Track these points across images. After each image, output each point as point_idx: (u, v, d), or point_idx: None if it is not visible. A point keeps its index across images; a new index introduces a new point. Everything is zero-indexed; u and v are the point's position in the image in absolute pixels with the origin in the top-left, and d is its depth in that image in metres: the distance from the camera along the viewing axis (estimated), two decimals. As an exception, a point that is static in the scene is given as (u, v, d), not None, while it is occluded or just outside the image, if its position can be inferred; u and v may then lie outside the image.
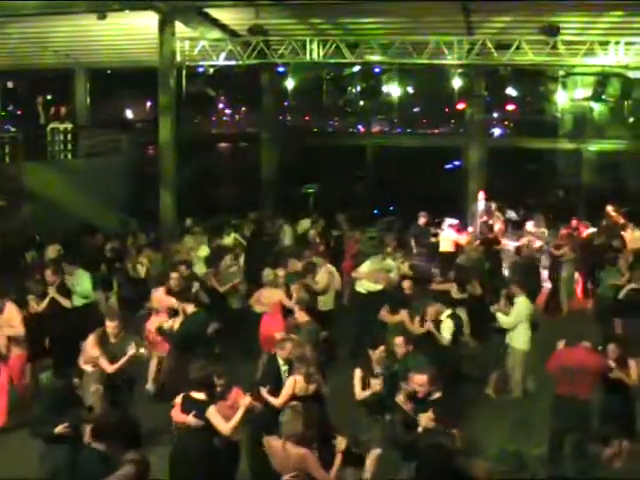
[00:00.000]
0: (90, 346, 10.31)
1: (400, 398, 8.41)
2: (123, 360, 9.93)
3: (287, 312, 12.56)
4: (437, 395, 8.21)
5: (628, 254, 16.53)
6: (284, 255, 16.87)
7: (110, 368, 9.94)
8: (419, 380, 8.17)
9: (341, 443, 7.63)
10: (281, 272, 13.68)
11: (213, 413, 8.11)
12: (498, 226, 20.12)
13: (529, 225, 19.99)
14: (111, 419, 7.57)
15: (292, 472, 7.16)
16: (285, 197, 26.25)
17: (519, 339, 12.43)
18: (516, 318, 12.42)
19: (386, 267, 15.20)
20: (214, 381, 8.47)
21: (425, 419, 7.81)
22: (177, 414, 8.33)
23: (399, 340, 10.10)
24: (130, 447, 6.95)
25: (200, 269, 15.88)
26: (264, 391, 9.11)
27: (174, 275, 13.26)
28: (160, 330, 11.92)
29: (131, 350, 9.96)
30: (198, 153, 26.75)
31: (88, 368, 10.25)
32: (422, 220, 19.74)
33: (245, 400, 8.35)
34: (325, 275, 14.40)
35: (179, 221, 19.86)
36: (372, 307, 13.87)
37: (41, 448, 8.31)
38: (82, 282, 13.49)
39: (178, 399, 8.41)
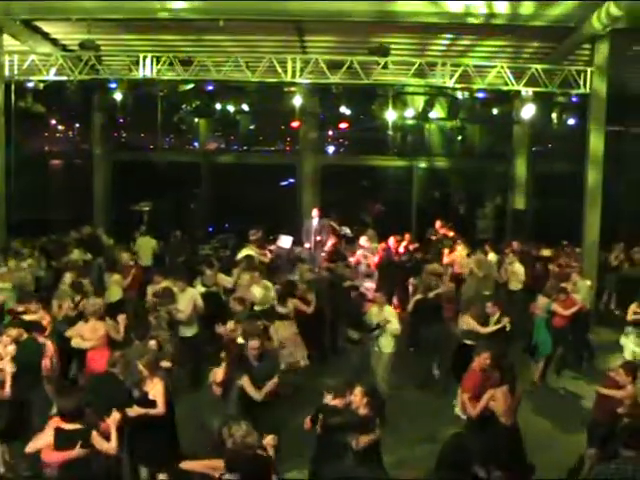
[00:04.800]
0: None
1: None
2: None
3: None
4: None
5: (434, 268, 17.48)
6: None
7: None
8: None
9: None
10: (99, 300, 13.05)
11: (98, 438, 8.05)
12: (331, 242, 20.52)
13: (362, 240, 20.44)
14: None
15: None
16: (119, 215, 25.90)
17: (386, 343, 13.30)
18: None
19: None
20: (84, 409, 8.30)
21: None
22: (52, 454, 7.96)
23: None
24: None
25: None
26: (134, 410, 9.29)
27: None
28: None
29: None
30: (29, 171, 25.95)
31: None
32: (253, 238, 19.79)
33: (114, 417, 8.40)
34: (190, 302, 14.12)
35: (8, 241, 19.25)
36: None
37: None
38: None
39: (46, 439, 8.05)
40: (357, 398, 8.82)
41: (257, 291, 14.96)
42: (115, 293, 16.02)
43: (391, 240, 20.75)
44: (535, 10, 17.50)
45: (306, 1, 17.65)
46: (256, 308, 14.52)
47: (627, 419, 9.51)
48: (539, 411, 13.37)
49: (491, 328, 13.46)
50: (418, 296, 15.39)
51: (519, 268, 18.40)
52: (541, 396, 14.20)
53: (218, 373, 10.24)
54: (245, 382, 10.09)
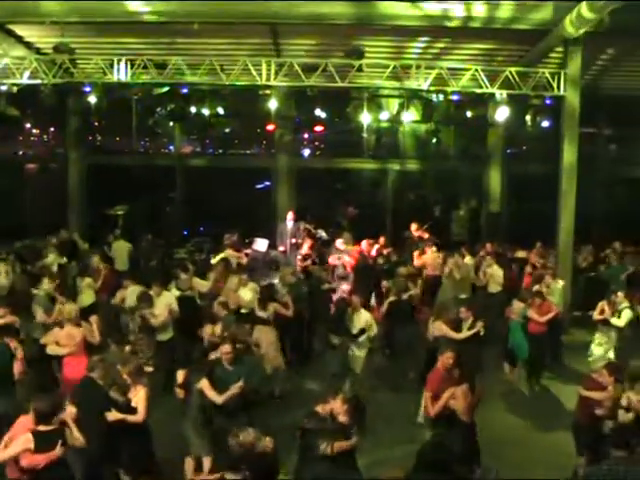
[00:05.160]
0: None
1: None
2: None
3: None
4: None
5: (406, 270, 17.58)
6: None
7: None
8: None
9: None
10: (75, 306, 13.02)
11: (70, 435, 8.20)
12: (307, 246, 20.52)
13: (338, 242, 20.48)
14: None
15: None
16: (94, 219, 25.78)
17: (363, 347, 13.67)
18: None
19: None
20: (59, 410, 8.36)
21: None
22: (33, 458, 7.88)
23: None
24: None
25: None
26: (112, 415, 9.32)
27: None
28: None
29: None
30: (4, 175, 25.83)
31: None
32: (228, 242, 19.74)
33: (69, 410, 8.54)
34: (166, 307, 14.08)
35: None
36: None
37: None
38: None
39: (24, 443, 7.95)
40: (337, 405, 8.84)
41: (246, 294, 14.98)
42: (88, 297, 15.97)
43: (364, 243, 20.81)
44: (512, 13, 17.64)
45: (284, 1, 17.73)
46: (243, 311, 14.57)
47: (608, 420, 9.65)
48: (515, 411, 13.50)
49: (465, 334, 13.43)
50: (391, 298, 15.44)
51: (497, 270, 18.51)
52: (518, 397, 14.33)
53: (180, 376, 10.25)
54: (204, 385, 10.07)
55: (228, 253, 18.72)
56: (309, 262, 19.75)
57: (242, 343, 11.77)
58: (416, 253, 20.32)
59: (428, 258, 19.78)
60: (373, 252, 20.72)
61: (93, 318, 12.92)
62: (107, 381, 9.71)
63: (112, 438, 9.33)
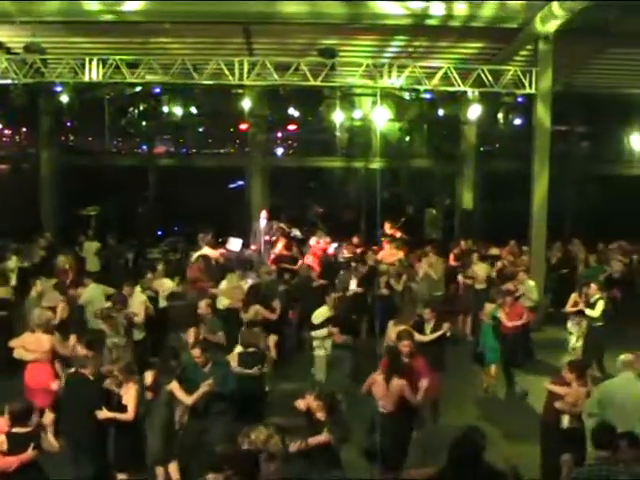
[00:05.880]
0: None
1: None
2: None
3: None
4: None
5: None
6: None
7: None
8: None
9: None
10: (48, 312, 12.59)
11: (45, 438, 8.39)
12: (281, 245, 20.50)
13: (312, 241, 20.55)
14: None
15: None
16: (66, 219, 25.60)
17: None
18: None
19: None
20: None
21: None
22: (4, 460, 7.86)
23: None
24: None
25: None
26: (103, 413, 9.32)
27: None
28: None
29: None
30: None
31: None
32: (202, 242, 19.75)
33: (48, 416, 8.84)
34: (142, 305, 14.10)
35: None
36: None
37: None
38: None
39: None
40: (311, 401, 8.84)
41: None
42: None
43: (321, 241, 20.82)
44: (491, 12, 17.76)
45: (269, 1, 17.74)
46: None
47: (566, 415, 9.74)
48: (488, 417, 13.42)
49: (428, 337, 13.09)
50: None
51: (484, 267, 18.49)
52: (490, 401, 14.34)
53: (148, 377, 10.18)
54: (174, 387, 10.04)
55: (207, 251, 18.71)
56: (302, 262, 19.63)
57: (254, 347, 11.76)
58: (374, 248, 20.43)
59: (385, 254, 19.87)
60: (330, 250, 20.76)
61: (73, 337, 12.57)
62: (98, 374, 9.71)
63: (102, 435, 9.41)
